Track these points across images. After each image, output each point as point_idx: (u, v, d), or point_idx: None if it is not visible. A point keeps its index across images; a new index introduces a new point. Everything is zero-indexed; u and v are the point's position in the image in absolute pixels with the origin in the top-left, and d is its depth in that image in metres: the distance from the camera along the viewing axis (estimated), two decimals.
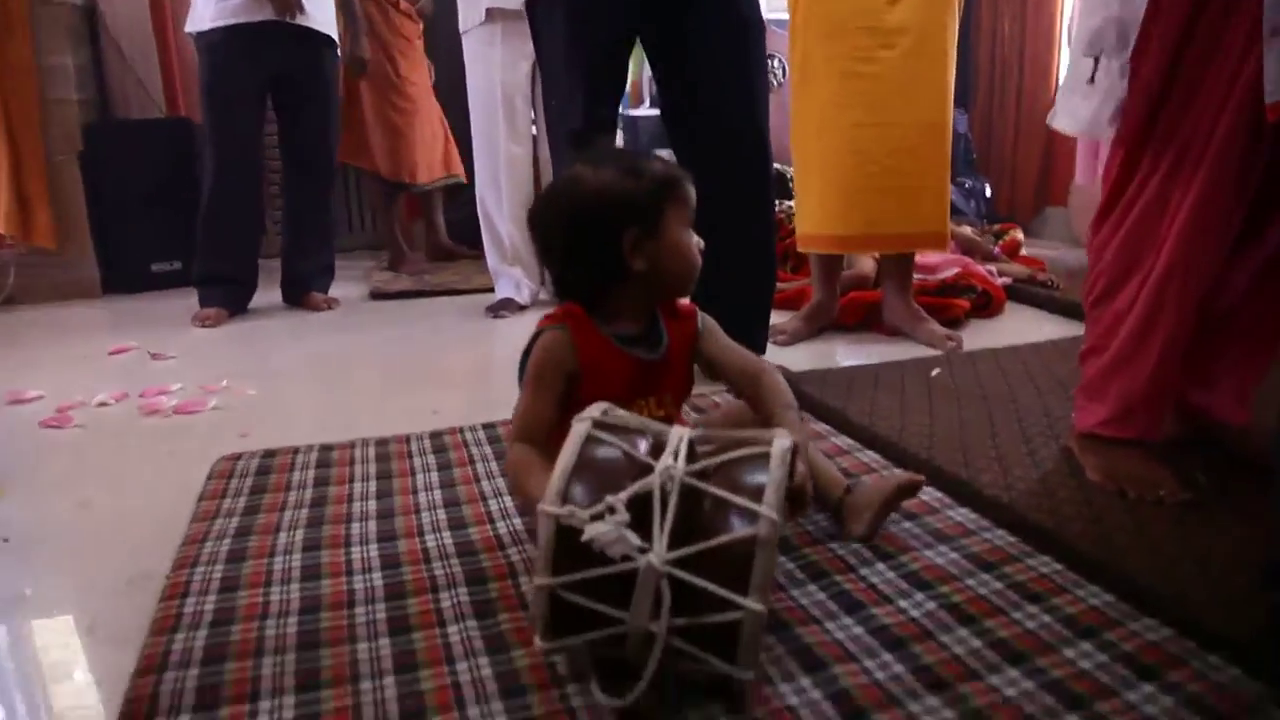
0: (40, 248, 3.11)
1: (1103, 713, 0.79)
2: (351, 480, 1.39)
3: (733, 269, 1.67)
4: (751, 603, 0.75)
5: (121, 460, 1.61)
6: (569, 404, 1.02)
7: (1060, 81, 3.64)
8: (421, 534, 1.20)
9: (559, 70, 1.78)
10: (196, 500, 1.34)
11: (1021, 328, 2.37)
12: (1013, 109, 3.96)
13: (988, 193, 3.89)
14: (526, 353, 1.07)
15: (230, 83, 2.65)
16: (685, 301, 1.13)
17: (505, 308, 2.73)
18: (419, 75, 3.51)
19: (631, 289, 1.05)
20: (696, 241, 1.07)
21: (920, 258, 2.42)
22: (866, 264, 2.61)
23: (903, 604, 0.98)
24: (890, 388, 1.76)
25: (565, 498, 0.79)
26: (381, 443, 1.55)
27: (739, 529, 0.77)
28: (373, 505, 1.29)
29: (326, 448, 1.52)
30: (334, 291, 3.02)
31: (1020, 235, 3.23)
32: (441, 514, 1.26)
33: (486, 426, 1.61)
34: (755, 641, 0.76)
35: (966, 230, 3.05)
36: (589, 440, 0.84)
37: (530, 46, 2.58)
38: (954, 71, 2.14)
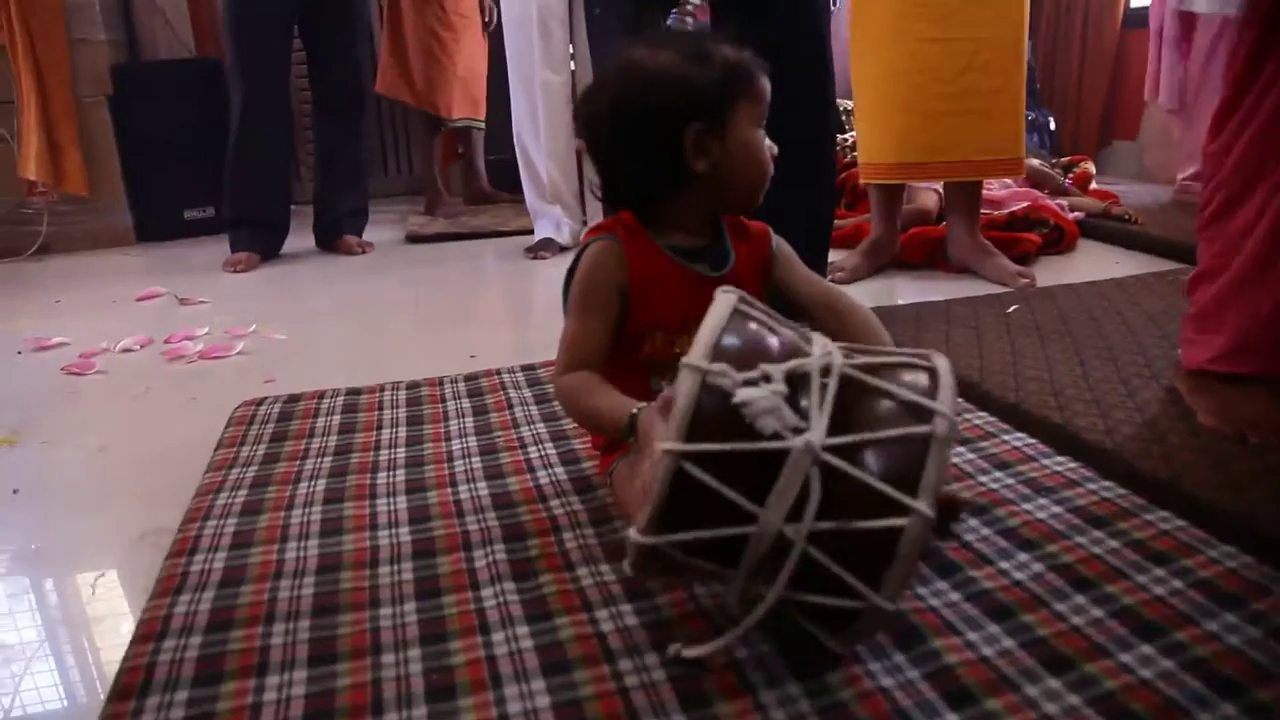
0: (72, 195, 3.03)
1: (1265, 701, 0.66)
2: (379, 427, 1.28)
3: (787, 189, 1.52)
4: (922, 505, 0.61)
5: (142, 407, 1.52)
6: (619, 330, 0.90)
7: (1125, 10, 3.43)
8: (454, 485, 1.08)
9: None
10: (214, 449, 1.24)
11: (1097, 264, 2.18)
12: (1078, 39, 3.69)
13: (1051, 126, 3.66)
14: (572, 271, 0.93)
15: (254, 9, 2.51)
16: (757, 223, 0.99)
17: (545, 248, 2.60)
18: (467, 5, 3.33)
19: (691, 196, 0.90)
20: (769, 145, 0.91)
21: (986, 192, 2.24)
22: (928, 198, 2.44)
23: (1004, 565, 0.85)
24: (964, 324, 1.61)
25: (714, 358, 0.65)
26: (413, 386, 1.43)
27: (908, 426, 0.65)
28: (401, 454, 1.18)
29: (354, 392, 1.42)
30: (369, 235, 2.91)
31: (1092, 168, 3.01)
32: (477, 463, 1.14)
33: (526, 369, 1.49)
34: (914, 557, 0.63)
35: (1035, 163, 2.84)
36: (735, 313, 0.70)
37: None
38: None
